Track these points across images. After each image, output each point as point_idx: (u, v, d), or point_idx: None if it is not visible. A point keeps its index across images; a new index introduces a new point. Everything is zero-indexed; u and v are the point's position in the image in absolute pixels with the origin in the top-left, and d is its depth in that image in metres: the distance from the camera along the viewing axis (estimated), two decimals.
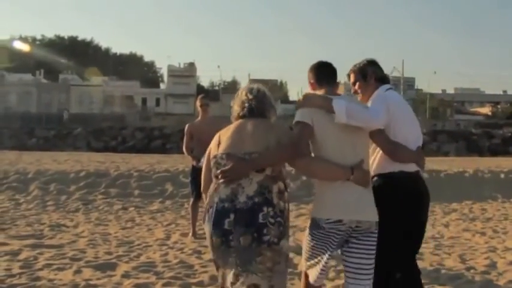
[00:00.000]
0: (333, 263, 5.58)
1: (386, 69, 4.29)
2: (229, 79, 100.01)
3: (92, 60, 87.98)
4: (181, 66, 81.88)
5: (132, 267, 5.90)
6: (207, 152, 3.52)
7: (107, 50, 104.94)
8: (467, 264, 6.29)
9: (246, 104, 3.46)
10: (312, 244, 3.32)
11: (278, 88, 79.24)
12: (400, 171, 3.57)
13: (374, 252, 3.31)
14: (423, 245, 7.24)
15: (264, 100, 3.51)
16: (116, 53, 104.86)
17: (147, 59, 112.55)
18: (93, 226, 8.60)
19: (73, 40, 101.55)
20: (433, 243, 7.49)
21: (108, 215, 9.81)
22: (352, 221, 3.22)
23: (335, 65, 3.67)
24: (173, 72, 79.60)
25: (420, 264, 6.20)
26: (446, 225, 9.12)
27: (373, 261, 3.31)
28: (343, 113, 3.23)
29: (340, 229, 3.22)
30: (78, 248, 6.83)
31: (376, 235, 3.31)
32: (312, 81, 3.64)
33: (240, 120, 3.46)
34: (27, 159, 19.36)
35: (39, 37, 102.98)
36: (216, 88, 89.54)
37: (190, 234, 7.82)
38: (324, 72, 3.61)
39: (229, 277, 3.21)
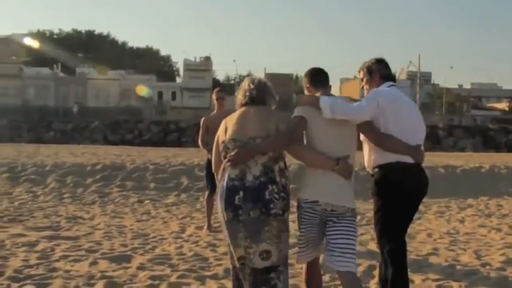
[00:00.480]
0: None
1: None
2: (244, 73, 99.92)
3: (108, 54, 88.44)
4: (197, 60, 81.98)
5: (147, 259, 5.95)
6: (216, 137, 3.96)
7: (124, 44, 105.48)
8: (482, 260, 6.25)
9: (247, 93, 3.89)
10: (300, 226, 3.84)
11: (294, 82, 78.97)
12: (397, 162, 3.95)
13: (353, 234, 3.75)
14: (438, 241, 7.27)
15: (265, 89, 3.94)
16: (132, 47, 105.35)
17: (163, 53, 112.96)
18: (109, 218, 8.67)
19: (90, 34, 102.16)
20: (448, 239, 7.46)
21: (123, 207, 9.89)
22: (327, 204, 3.71)
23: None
24: (189, 66, 79.73)
25: (435, 259, 6.22)
26: (462, 221, 9.06)
27: (352, 241, 3.73)
28: (328, 108, 3.76)
29: (316, 209, 3.73)
30: (94, 240, 6.90)
31: (352, 220, 3.77)
32: (307, 85, 4.14)
33: (243, 108, 3.89)
34: (45, 152, 19.52)
35: (56, 31, 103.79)
36: (232, 82, 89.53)
37: (205, 227, 7.86)
38: (317, 77, 4.11)
39: (238, 253, 3.68)
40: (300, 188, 3.86)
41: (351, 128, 3.91)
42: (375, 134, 4.00)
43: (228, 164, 3.71)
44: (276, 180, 3.67)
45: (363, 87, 4.37)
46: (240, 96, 3.96)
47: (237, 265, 3.75)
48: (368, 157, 4.15)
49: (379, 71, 4.23)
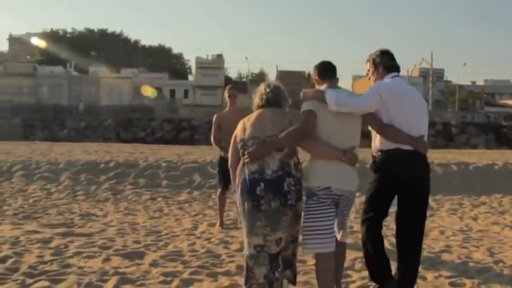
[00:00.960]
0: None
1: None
2: (257, 71, 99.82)
3: (121, 52, 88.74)
4: (209, 58, 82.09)
5: (160, 256, 5.99)
6: (233, 136, 4.33)
7: (136, 42, 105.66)
8: (495, 257, 6.21)
9: (264, 96, 4.30)
10: (311, 213, 4.11)
11: (306, 80, 78.78)
12: (397, 148, 4.22)
13: (350, 211, 4.45)
14: (451, 238, 7.24)
15: (279, 93, 4.34)
16: (144, 45, 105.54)
17: (175, 51, 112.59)
18: (122, 216, 8.73)
19: (103, 33, 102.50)
20: (461, 236, 7.42)
21: (136, 205, 9.95)
22: (338, 189, 4.13)
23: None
24: (201, 64, 79.86)
25: (448, 257, 6.19)
26: (475, 218, 9.01)
27: (348, 217, 4.49)
28: (333, 102, 4.05)
29: (329, 194, 4.11)
30: (107, 237, 6.95)
31: (353, 200, 4.42)
32: (316, 77, 4.46)
33: (260, 110, 4.29)
34: (59, 150, 19.65)
35: (69, 30, 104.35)
36: (244, 80, 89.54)
37: (218, 224, 7.88)
38: (325, 70, 4.42)
39: (255, 241, 4.05)
40: (311, 178, 4.18)
41: (356, 120, 4.26)
42: (378, 125, 4.29)
43: (247, 159, 4.06)
44: (292, 173, 4.07)
45: (369, 78, 4.60)
46: (256, 99, 4.36)
47: (253, 252, 4.07)
48: (373, 142, 4.44)
49: (383, 63, 4.45)
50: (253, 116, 4.27)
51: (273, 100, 4.29)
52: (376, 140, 4.38)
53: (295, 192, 4.04)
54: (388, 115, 4.22)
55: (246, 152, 4.09)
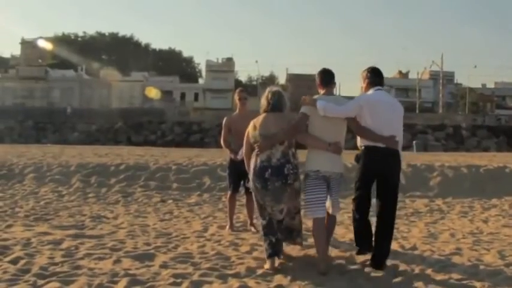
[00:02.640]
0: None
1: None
2: (267, 74, 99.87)
3: (132, 56, 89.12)
4: (220, 61, 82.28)
5: (170, 257, 6.00)
6: (246, 132, 5.77)
7: (147, 46, 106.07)
8: (506, 260, 6.16)
9: (269, 102, 5.73)
10: (308, 189, 5.60)
11: (316, 83, 78.74)
12: (373, 146, 5.50)
13: (339, 189, 5.77)
14: (461, 241, 7.20)
15: (280, 100, 5.76)
16: (155, 49, 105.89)
17: (185, 54, 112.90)
18: (133, 218, 8.77)
19: (114, 36, 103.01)
20: (471, 239, 7.38)
21: (147, 207, 9.99)
22: (326, 172, 5.58)
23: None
24: (211, 68, 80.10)
25: (458, 259, 6.17)
26: (486, 221, 8.95)
27: (338, 194, 5.79)
28: (322, 109, 5.46)
29: (318, 175, 5.57)
30: (118, 239, 6.98)
31: (341, 180, 5.75)
32: (318, 82, 5.88)
33: (265, 113, 5.74)
34: (70, 152, 19.79)
35: (81, 34, 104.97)
36: (254, 83, 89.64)
37: (228, 226, 7.86)
38: (325, 79, 5.83)
39: (267, 210, 5.63)
40: (307, 163, 5.67)
41: (341, 121, 5.65)
42: (356, 127, 5.61)
43: (258, 152, 5.53)
44: (291, 161, 5.53)
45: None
46: (263, 101, 5.78)
47: (264, 221, 5.66)
48: (357, 139, 5.71)
49: (368, 79, 5.77)
50: (261, 118, 5.71)
51: (276, 107, 5.71)
52: (358, 138, 5.68)
53: (293, 175, 5.49)
54: (365, 119, 5.52)
55: (256, 146, 5.55)
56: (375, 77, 5.74)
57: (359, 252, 5.86)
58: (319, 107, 5.43)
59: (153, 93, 69.74)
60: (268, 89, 5.81)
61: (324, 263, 5.48)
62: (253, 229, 7.64)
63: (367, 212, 5.70)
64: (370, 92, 5.65)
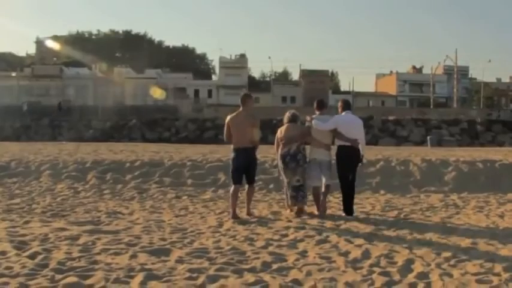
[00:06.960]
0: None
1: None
2: (280, 70, 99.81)
3: (145, 53, 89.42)
4: (233, 58, 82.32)
5: (186, 253, 6.04)
6: (276, 135, 8.96)
7: (160, 43, 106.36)
8: None
9: (289, 118, 8.96)
10: (310, 169, 8.75)
11: (329, 79, 78.46)
12: (343, 144, 8.71)
13: (328, 169, 8.80)
14: (478, 235, 7.13)
15: (295, 117, 8.96)
16: (168, 46, 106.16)
17: (199, 51, 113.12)
18: (148, 214, 8.83)
19: (127, 34, 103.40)
20: (487, 234, 7.33)
21: (162, 203, 10.05)
22: (320, 159, 8.76)
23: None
24: (225, 64, 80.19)
25: (474, 254, 6.14)
26: (501, 216, 8.88)
27: (327, 172, 8.78)
28: (315, 125, 8.70)
29: (315, 161, 8.78)
30: (134, 234, 7.03)
31: (330, 165, 8.85)
32: (315, 107, 9.10)
33: (287, 124, 8.91)
34: (85, 149, 19.88)
35: (95, 32, 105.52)
36: (267, 79, 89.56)
37: (231, 216, 8.42)
38: (319, 105, 9.12)
39: (288, 180, 8.66)
40: (310, 155, 8.87)
41: (329, 132, 8.77)
42: (335, 133, 8.76)
43: (282, 146, 8.71)
44: (302, 152, 8.74)
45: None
46: (285, 119, 9.02)
47: (285, 185, 8.81)
48: (336, 140, 8.82)
49: (342, 105, 9.14)
50: (284, 127, 8.90)
51: (293, 120, 8.91)
52: (336, 140, 8.81)
53: (301, 160, 8.65)
54: (340, 130, 8.68)
55: (282, 143, 8.73)
56: (345, 105, 9.14)
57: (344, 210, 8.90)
58: (313, 124, 8.74)
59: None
60: (288, 111, 9.21)
61: (321, 212, 8.72)
62: (250, 218, 8.54)
63: (348, 183, 8.79)
64: (343, 114, 8.98)
